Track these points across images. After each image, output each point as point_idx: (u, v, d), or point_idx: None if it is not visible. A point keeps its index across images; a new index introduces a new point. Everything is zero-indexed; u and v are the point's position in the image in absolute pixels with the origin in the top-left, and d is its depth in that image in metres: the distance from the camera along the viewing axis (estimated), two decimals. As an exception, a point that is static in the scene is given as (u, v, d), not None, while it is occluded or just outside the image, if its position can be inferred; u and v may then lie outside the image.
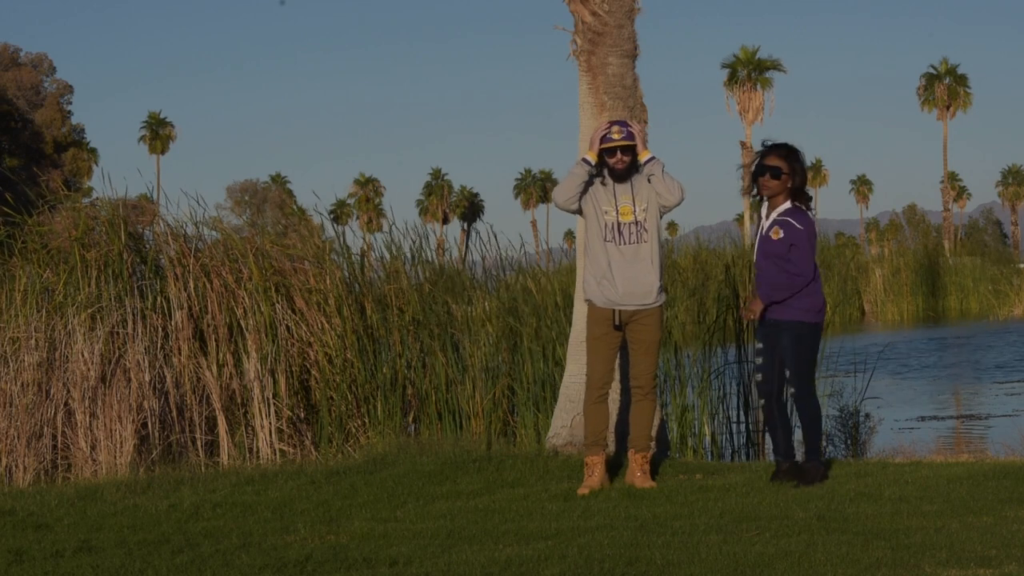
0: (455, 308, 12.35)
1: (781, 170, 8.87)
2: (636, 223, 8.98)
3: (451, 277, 13.09)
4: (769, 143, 9.06)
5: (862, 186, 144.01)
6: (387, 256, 13.06)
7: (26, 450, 10.85)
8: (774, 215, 8.93)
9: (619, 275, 8.94)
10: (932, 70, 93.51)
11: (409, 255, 13.14)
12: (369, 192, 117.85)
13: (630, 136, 8.97)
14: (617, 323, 8.99)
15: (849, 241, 78.59)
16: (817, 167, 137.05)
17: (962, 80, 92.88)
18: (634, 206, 8.97)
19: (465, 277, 13.37)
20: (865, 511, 7.78)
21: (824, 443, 12.52)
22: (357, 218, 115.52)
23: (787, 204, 8.92)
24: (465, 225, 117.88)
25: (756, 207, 9.17)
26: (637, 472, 9.06)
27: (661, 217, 9.10)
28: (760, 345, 9.05)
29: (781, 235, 8.86)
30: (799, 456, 9.16)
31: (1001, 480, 8.68)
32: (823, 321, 9.03)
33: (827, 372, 13.16)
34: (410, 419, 11.96)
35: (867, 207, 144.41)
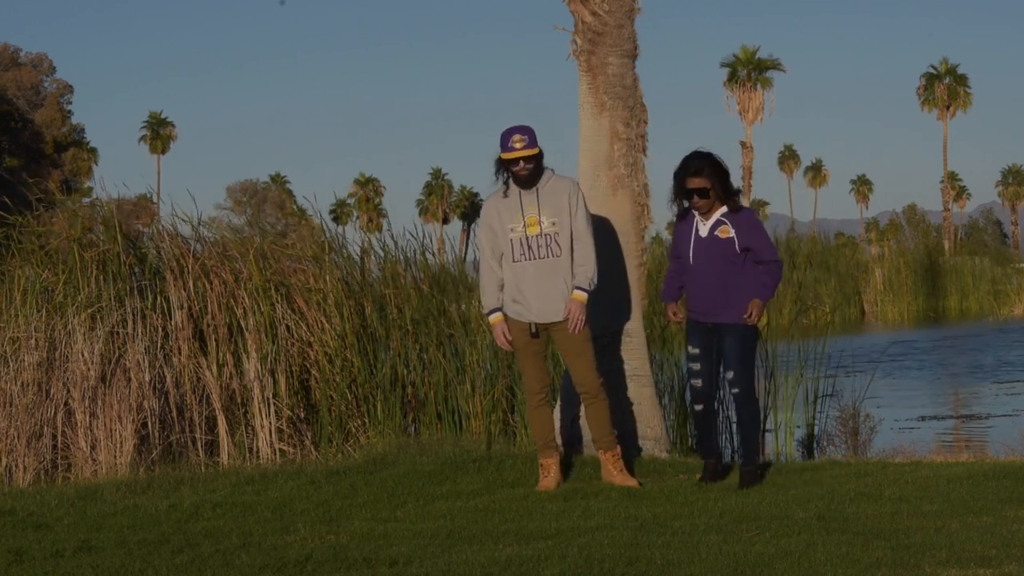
0: (453, 308, 12.34)
1: (706, 188, 8.84)
2: (544, 235, 8.87)
3: (450, 277, 13.07)
4: (685, 159, 9.00)
5: (862, 186, 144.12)
6: (386, 256, 13.04)
7: (26, 450, 10.85)
8: (716, 215, 8.90)
9: (531, 294, 8.88)
10: (932, 70, 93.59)
11: (408, 255, 13.12)
12: (369, 192, 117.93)
13: (532, 144, 8.84)
14: (533, 331, 8.96)
15: (849, 241, 78.60)
16: (817, 167, 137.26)
17: (962, 80, 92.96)
18: (540, 217, 8.86)
19: (464, 277, 13.36)
20: (865, 511, 7.79)
21: (824, 443, 12.56)
22: (357, 218, 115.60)
23: (724, 208, 8.92)
24: (465, 225, 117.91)
25: (681, 215, 9.11)
26: (614, 471, 9.07)
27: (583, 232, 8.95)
28: (696, 351, 9.01)
29: (731, 233, 8.85)
30: (730, 458, 9.27)
31: (1001, 480, 8.68)
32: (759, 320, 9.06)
33: (827, 372, 13.17)
34: (410, 419, 11.95)
35: (867, 207, 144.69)
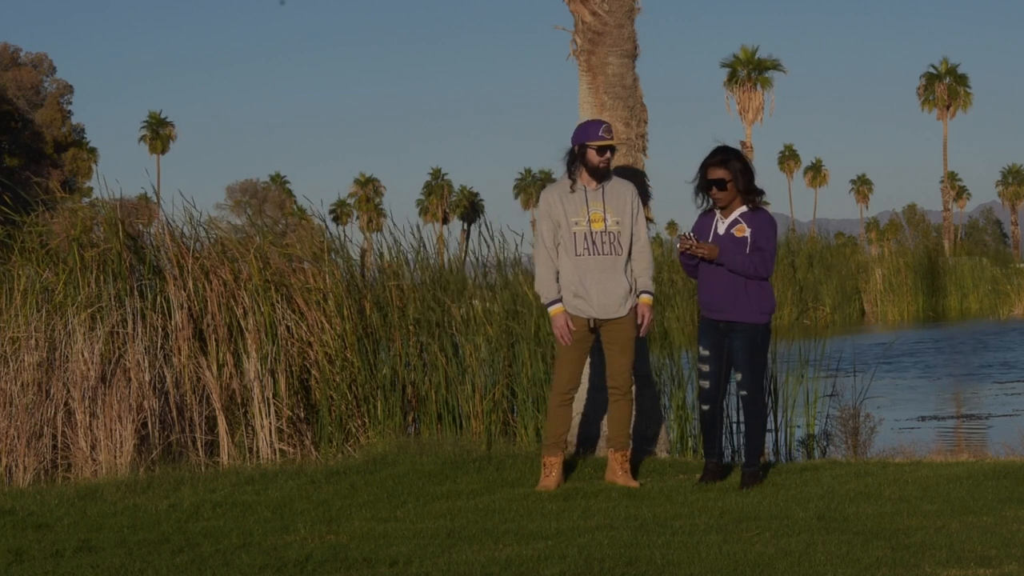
0: (454, 308, 12.34)
1: (725, 180, 8.87)
2: (608, 233, 8.94)
3: (450, 277, 13.06)
4: (714, 150, 9.03)
5: (862, 186, 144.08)
6: (387, 256, 13.03)
7: (26, 450, 10.85)
8: (735, 215, 8.93)
9: (593, 290, 8.91)
10: (932, 70, 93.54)
11: (409, 255, 13.11)
12: (369, 192, 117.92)
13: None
14: (592, 326, 9.01)
15: (849, 241, 78.62)
16: (817, 167, 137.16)
17: (962, 80, 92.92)
18: (605, 215, 8.94)
19: (464, 277, 13.35)
20: (865, 511, 7.79)
21: (824, 443, 12.56)
22: (357, 218, 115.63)
23: (743, 208, 8.93)
24: (465, 225, 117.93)
25: (705, 211, 9.13)
26: (619, 471, 9.09)
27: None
28: (706, 352, 9.02)
29: (746, 232, 8.86)
30: (731, 459, 9.27)
31: (1001, 480, 8.69)
32: (771, 321, 9.05)
33: (827, 372, 13.17)
34: (410, 419, 11.95)
35: (867, 207, 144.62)
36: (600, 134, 8.94)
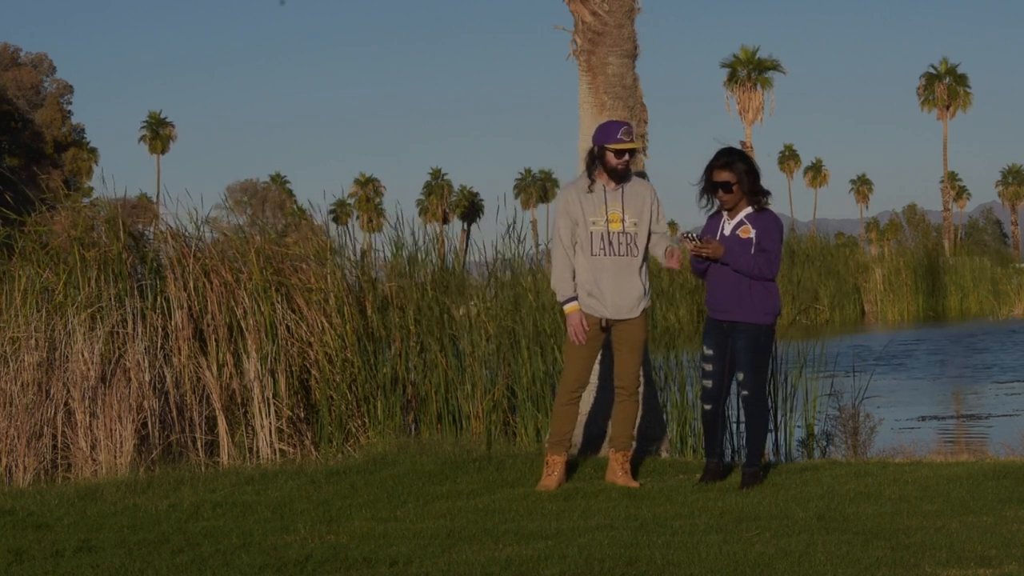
0: (454, 308, 12.34)
1: (730, 183, 8.87)
2: (625, 234, 8.94)
3: (451, 277, 13.06)
4: (718, 152, 9.02)
5: (862, 186, 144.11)
6: (387, 255, 13.04)
7: (26, 450, 10.85)
8: (740, 216, 8.93)
9: (607, 290, 8.91)
10: (932, 70, 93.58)
11: (409, 254, 13.10)
12: (369, 192, 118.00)
13: (633, 138, 9.02)
14: (604, 326, 9.00)
15: (849, 241, 78.62)
16: (817, 167, 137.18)
17: (962, 80, 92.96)
18: (623, 215, 8.94)
19: (464, 277, 13.34)
20: (865, 511, 7.79)
21: (824, 443, 12.57)
22: (357, 218, 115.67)
23: (749, 209, 8.93)
24: (465, 225, 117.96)
25: (713, 214, 9.13)
26: (619, 471, 9.10)
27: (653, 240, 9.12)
28: (710, 352, 9.01)
29: (751, 234, 8.86)
30: (731, 459, 9.26)
31: (1001, 480, 8.69)
32: (775, 322, 9.04)
33: (827, 372, 13.17)
34: (410, 419, 11.95)
35: (867, 207, 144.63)
36: (619, 136, 8.91)
